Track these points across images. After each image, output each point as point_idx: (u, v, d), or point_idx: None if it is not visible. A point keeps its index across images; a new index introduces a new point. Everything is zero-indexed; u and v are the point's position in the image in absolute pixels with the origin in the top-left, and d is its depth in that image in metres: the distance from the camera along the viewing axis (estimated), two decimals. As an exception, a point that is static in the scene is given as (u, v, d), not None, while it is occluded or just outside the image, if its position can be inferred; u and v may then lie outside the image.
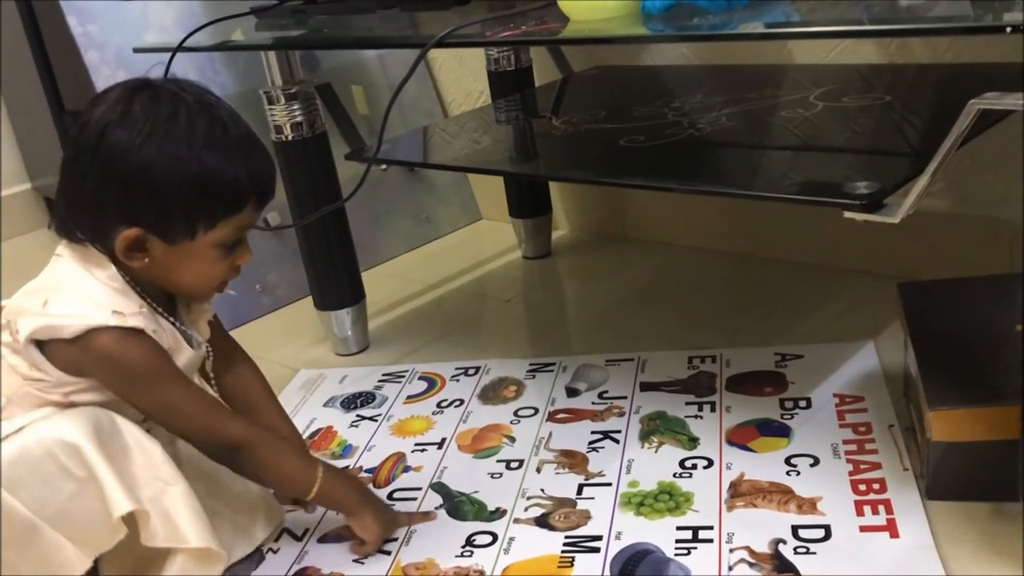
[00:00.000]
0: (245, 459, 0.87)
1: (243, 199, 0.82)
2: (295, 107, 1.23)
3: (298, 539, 0.96)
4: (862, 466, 0.92)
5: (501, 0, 1.11)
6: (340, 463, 1.09)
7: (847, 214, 0.78)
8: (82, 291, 0.81)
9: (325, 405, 1.23)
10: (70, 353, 0.80)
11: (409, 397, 1.21)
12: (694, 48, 1.41)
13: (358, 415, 1.19)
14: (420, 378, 1.26)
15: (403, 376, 1.27)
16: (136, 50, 1.31)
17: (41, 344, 0.80)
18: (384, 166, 1.20)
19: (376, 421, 1.17)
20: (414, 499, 0.99)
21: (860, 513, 0.86)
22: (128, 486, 0.79)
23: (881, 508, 0.86)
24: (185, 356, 0.87)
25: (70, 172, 0.81)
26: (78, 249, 0.83)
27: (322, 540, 0.95)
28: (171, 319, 0.86)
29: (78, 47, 1.48)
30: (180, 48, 1.17)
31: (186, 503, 0.81)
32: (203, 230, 0.81)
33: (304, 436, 1.15)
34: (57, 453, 0.77)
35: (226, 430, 0.86)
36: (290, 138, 1.24)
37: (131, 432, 0.82)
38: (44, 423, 0.79)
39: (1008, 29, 0.61)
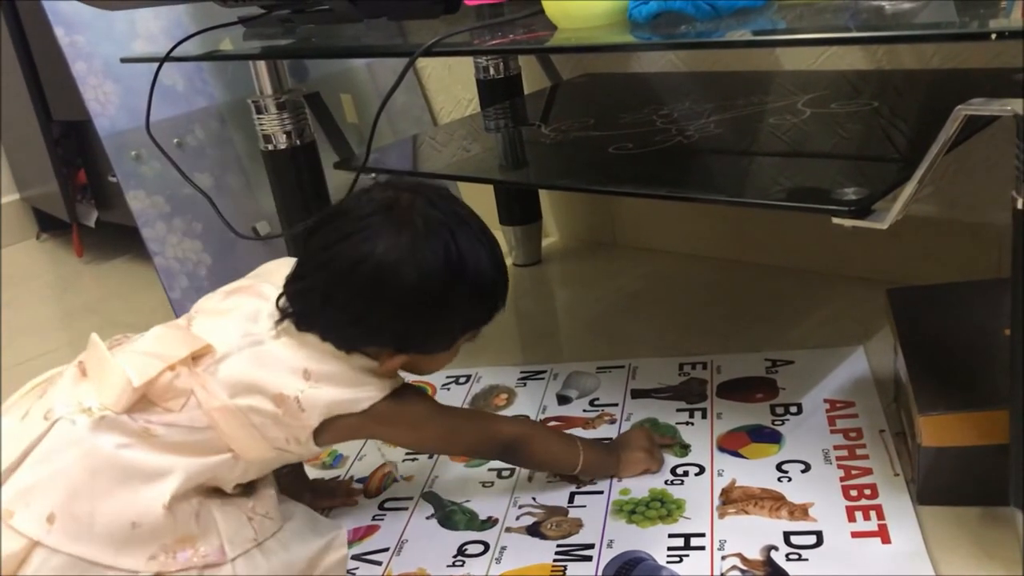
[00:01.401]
0: (520, 453, 0.94)
1: (495, 312, 0.86)
2: (284, 116, 1.22)
3: (289, 550, 0.95)
4: (853, 472, 0.92)
5: (490, 8, 1.11)
6: (330, 473, 1.08)
7: (835, 220, 0.78)
8: (349, 369, 0.82)
9: (315, 415, 1.22)
10: (352, 422, 0.83)
11: (400, 406, 1.21)
12: (682, 55, 1.42)
13: (348, 425, 1.18)
14: (410, 387, 1.26)
15: (394, 385, 1.27)
16: (124, 60, 1.30)
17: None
18: (373, 175, 1.20)
19: (367, 431, 1.16)
20: (405, 509, 0.99)
21: (852, 519, 0.86)
22: None
23: (872, 514, 0.86)
24: None
25: (333, 303, 0.81)
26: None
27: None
28: None
29: (65, 57, 1.47)
30: (168, 58, 1.16)
31: None
32: (459, 340, 0.86)
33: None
34: None
35: (502, 433, 0.93)
36: (279, 147, 1.24)
37: None
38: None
39: (993, 36, 0.62)
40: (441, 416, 0.90)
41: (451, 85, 1.76)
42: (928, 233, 1.26)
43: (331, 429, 0.82)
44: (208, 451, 0.79)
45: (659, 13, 0.79)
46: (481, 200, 1.75)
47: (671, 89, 1.36)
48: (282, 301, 0.83)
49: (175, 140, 1.50)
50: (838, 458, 0.95)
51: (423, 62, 1.77)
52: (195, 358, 0.80)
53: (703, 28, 0.78)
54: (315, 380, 0.80)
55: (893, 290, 1.04)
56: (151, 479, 0.76)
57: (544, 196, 1.65)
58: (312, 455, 0.89)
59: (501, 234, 1.63)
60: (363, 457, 1.11)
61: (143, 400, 0.78)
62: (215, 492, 0.82)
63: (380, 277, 0.78)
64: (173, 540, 0.77)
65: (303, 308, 0.82)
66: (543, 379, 1.22)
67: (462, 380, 1.25)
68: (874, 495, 0.89)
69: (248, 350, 0.81)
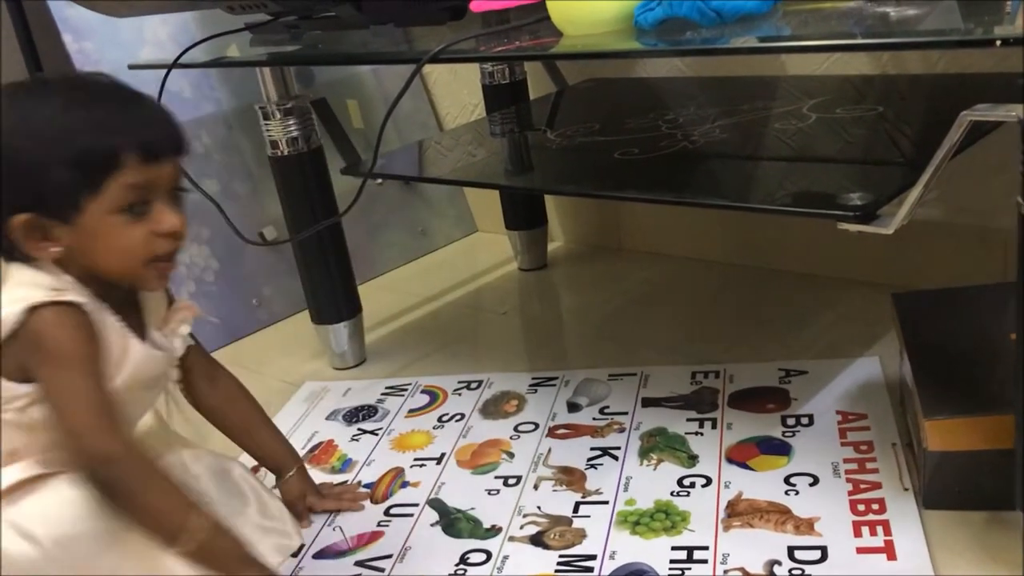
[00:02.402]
0: (116, 476, 0.74)
1: (116, 155, 0.75)
2: (290, 122, 1.23)
3: (294, 555, 0.95)
4: (862, 485, 0.92)
5: (495, 14, 1.11)
6: (339, 477, 1.08)
7: (841, 225, 0.78)
8: (13, 284, 0.76)
9: (327, 418, 1.22)
10: (16, 350, 0.74)
11: (411, 411, 1.21)
12: (687, 61, 1.42)
13: (359, 429, 1.18)
14: (422, 392, 1.25)
15: (406, 389, 1.27)
16: (131, 67, 1.31)
17: None
18: (380, 180, 1.20)
19: (377, 435, 1.16)
20: (411, 515, 0.99)
21: (858, 534, 0.85)
22: None
23: (879, 529, 0.85)
24: (136, 357, 0.81)
25: None
26: None
27: (317, 556, 0.95)
28: (117, 316, 0.80)
29: (73, 64, 1.48)
30: (176, 64, 1.17)
31: None
32: (88, 197, 0.75)
33: (304, 450, 1.15)
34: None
35: (107, 436, 0.74)
36: (286, 153, 1.24)
37: None
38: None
39: (998, 42, 0.61)
40: (73, 370, 0.75)
41: (457, 91, 1.76)
42: (934, 238, 1.26)
43: (7, 364, 0.75)
44: None
45: (664, 19, 0.79)
46: (486, 205, 1.76)
47: (676, 94, 1.35)
48: None
49: (182, 146, 1.50)
50: (847, 471, 0.94)
51: (429, 68, 1.77)
52: None
53: (708, 34, 0.78)
54: None
55: (899, 295, 1.04)
56: None
57: (549, 201, 1.65)
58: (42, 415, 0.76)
59: (507, 239, 1.64)
60: (372, 462, 1.11)
61: None
62: None
63: None
64: None
65: None
66: (554, 386, 1.21)
67: (473, 385, 1.25)
68: (882, 510, 0.88)
69: None
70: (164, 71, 1.20)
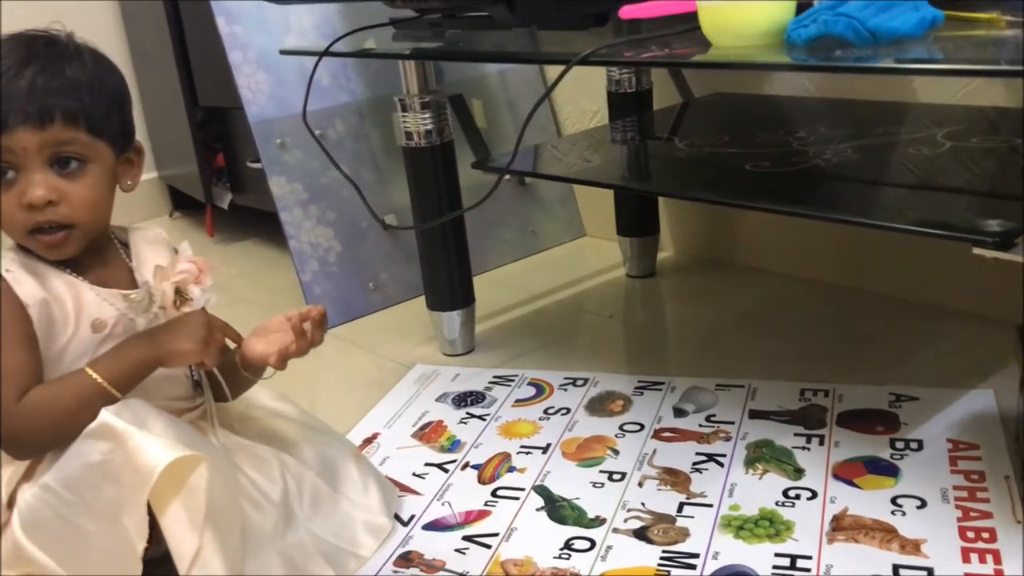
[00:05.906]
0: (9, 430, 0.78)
1: None
2: (427, 115, 1.28)
3: (404, 524, 1.00)
4: (972, 513, 0.91)
5: (628, 23, 1.14)
6: (448, 456, 1.12)
7: (976, 250, 0.78)
8: None
9: (437, 400, 1.27)
10: None
11: (517, 401, 1.25)
12: (815, 81, 1.42)
13: (468, 413, 1.23)
14: (529, 384, 1.29)
15: (512, 380, 1.31)
16: (283, 52, 1.38)
17: None
18: (509, 176, 1.24)
19: (485, 420, 1.20)
20: (516, 498, 1.02)
21: (967, 560, 0.85)
22: None
23: (989, 558, 0.85)
24: (90, 301, 0.82)
25: None
26: None
27: (427, 527, 0.99)
28: (79, 277, 0.83)
29: (224, 46, 1.56)
30: (327, 52, 1.23)
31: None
32: None
33: (415, 428, 1.20)
34: None
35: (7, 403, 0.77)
36: (420, 145, 1.29)
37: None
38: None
39: None
40: (14, 341, 0.78)
41: (578, 97, 1.79)
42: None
43: None
44: None
45: (818, 37, 0.81)
46: (597, 210, 1.78)
47: (805, 113, 1.36)
48: None
49: (318, 132, 1.57)
50: (957, 498, 0.93)
51: (551, 72, 1.81)
52: None
53: (860, 54, 0.79)
54: None
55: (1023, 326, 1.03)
56: None
57: (662, 210, 1.66)
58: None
59: (614, 244, 1.66)
60: (479, 445, 1.14)
61: None
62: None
63: None
64: None
65: None
66: (660, 390, 1.23)
67: (579, 382, 1.28)
68: (992, 539, 0.87)
69: None
70: (308, 58, 1.26)
